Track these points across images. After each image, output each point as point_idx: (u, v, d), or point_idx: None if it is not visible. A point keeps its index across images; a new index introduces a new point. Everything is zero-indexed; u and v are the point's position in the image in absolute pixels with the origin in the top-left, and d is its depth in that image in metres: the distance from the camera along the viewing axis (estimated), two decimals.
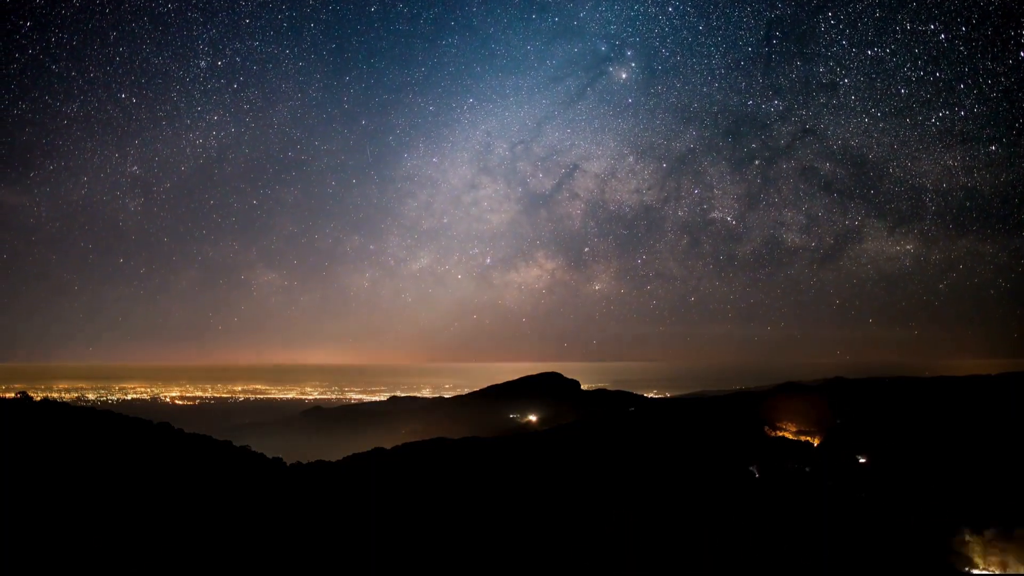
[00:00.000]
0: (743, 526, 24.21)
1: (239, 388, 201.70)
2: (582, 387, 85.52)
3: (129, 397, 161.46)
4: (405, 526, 20.05)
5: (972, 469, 35.45)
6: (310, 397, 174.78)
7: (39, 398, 27.97)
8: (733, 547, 22.04)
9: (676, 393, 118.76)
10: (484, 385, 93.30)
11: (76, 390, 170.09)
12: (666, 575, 19.23)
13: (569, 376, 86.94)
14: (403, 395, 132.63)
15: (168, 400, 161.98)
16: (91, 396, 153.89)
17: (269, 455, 27.32)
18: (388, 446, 35.85)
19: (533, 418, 69.86)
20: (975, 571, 27.76)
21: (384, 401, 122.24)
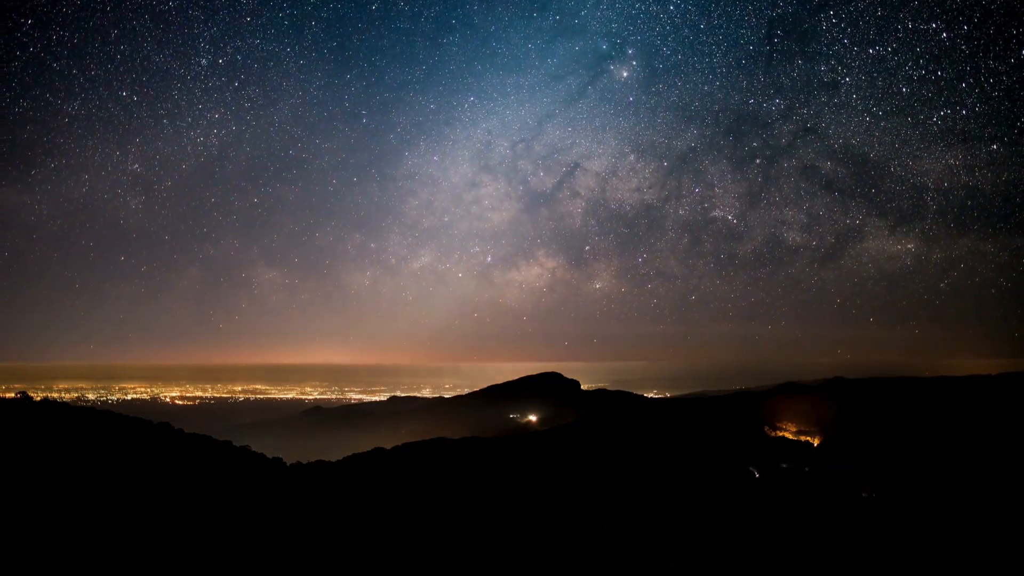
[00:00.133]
0: (743, 526, 24.21)
1: (239, 388, 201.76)
2: (582, 387, 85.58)
3: (129, 397, 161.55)
4: (405, 526, 20.06)
5: (972, 469, 35.45)
6: (310, 397, 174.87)
7: (39, 398, 27.96)
8: (733, 547, 22.06)
9: (676, 393, 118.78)
10: (484, 385, 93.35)
11: (76, 390, 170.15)
12: (666, 575, 19.24)
13: (569, 376, 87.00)
14: (403, 395, 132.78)
15: (168, 400, 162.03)
16: (91, 396, 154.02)
17: (269, 455, 27.30)
18: (388, 446, 35.86)
19: (533, 418, 69.89)
20: (974, 571, 27.76)
21: (384, 401, 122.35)
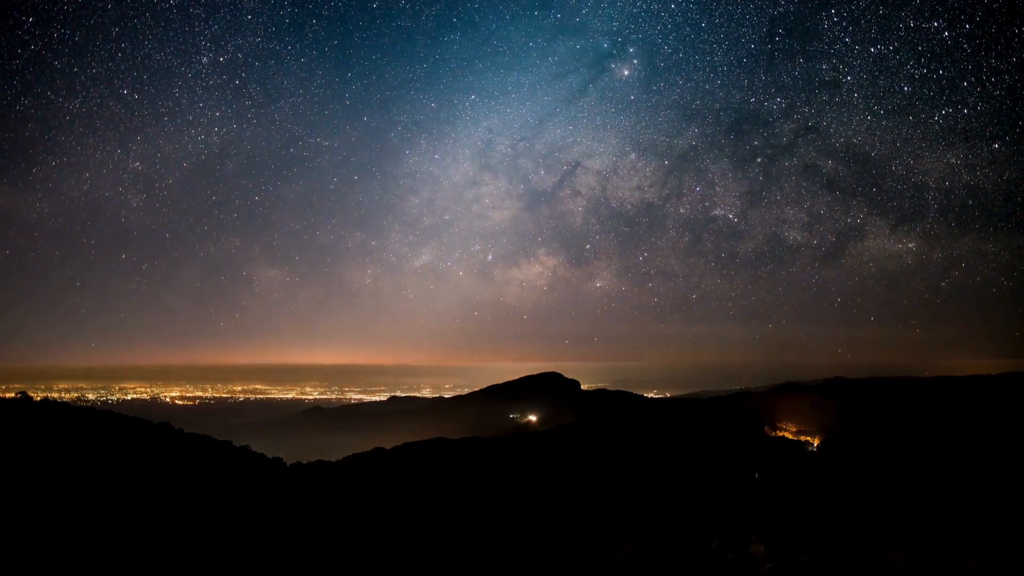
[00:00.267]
0: (743, 525, 24.19)
1: (239, 388, 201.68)
2: (582, 387, 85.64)
3: (129, 397, 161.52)
4: (405, 526, 20.05)
5: (973, 470, 35.45)
6: (310, 397, 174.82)
7: (39, 398, 27.95)
8: (733, 546, 22.03)
9: (676, 393, 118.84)
10: (484, 385, 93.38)
11: (76, 390, 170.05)
12: (667, 575, 19.23)
13: (569, 376, 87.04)
14: (403, 395, 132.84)
15: (168, 400, 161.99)
16: (91, 396, 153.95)
17: (269, 455, 27.30)
18: (388, 446, 35.86)
19: (533, 418, 69.91)
20: (975, 571, 27.77)
21: (384, 401, 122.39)
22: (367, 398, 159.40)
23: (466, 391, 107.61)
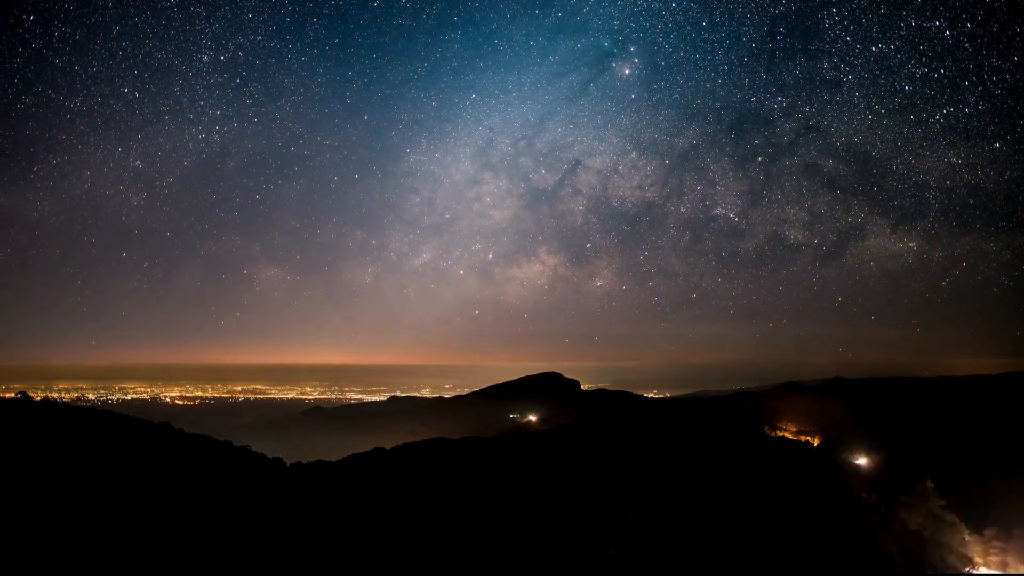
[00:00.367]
0: (743, 525, 24.19)
1: (239, 388, 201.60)
2: (582, 387, 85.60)
3: (129, 397, 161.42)
4: (405, 526, 20.04)
5: (972, 469, 35.44)
6: (310, 397, 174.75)
7: (39, 398, 27.96)
8: (734, 546, 22.03)
9: (676, 393, 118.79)
10: (484, 385, 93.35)
11: (76, 390, 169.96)
12: (666, 575, 19.23)
13: (569, 376, 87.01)
14: (403, 395, 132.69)
15: (168, 400, 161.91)
16: (91, 396, 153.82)
17: (269, 455, 27.30)
18: (388, 446, 35.83)
19: (533, 418, 69.84)
20: (975, 571, 27.78)
21: (384, 401, 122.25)
22: (367, 398, 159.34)
23: (466, 391, 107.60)
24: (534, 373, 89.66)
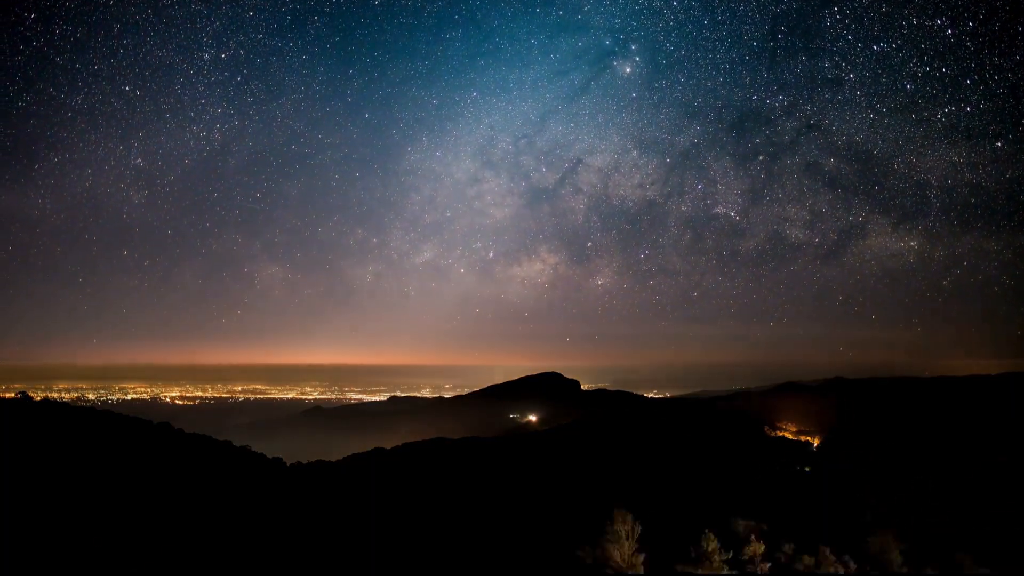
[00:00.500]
0: (743, 525, 24.19)
1: (239, 388, 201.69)
2: (582, 387, 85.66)
3: (129, 397, 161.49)
4: (405, 526, 20.05)
5: (972, 469, 35.44)
6: (310, 397, 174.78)
7: (39, 398, 27.98)
8: (733, 546, 22.04)
9: (676, 393, 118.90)
10: (484, 385, 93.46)
11: (76, 390, 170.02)
12: (666, 575, 19.23)
13: (569, 376, 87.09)
14: (403, 395, 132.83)
15: (168, 400, 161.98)
16: (91, 396, 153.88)
17: (269, 455, 27.31)
18: (388, 446, 35.86)
19: (533, 418, 69.88)
20: (975, 570, 27.77)
21: (384, 401, 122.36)
22: (367, 398, 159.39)
23: (466, 391, 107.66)
24: (534, 373, 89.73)
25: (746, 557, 14.42)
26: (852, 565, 14.52)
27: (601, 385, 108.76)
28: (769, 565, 14.56)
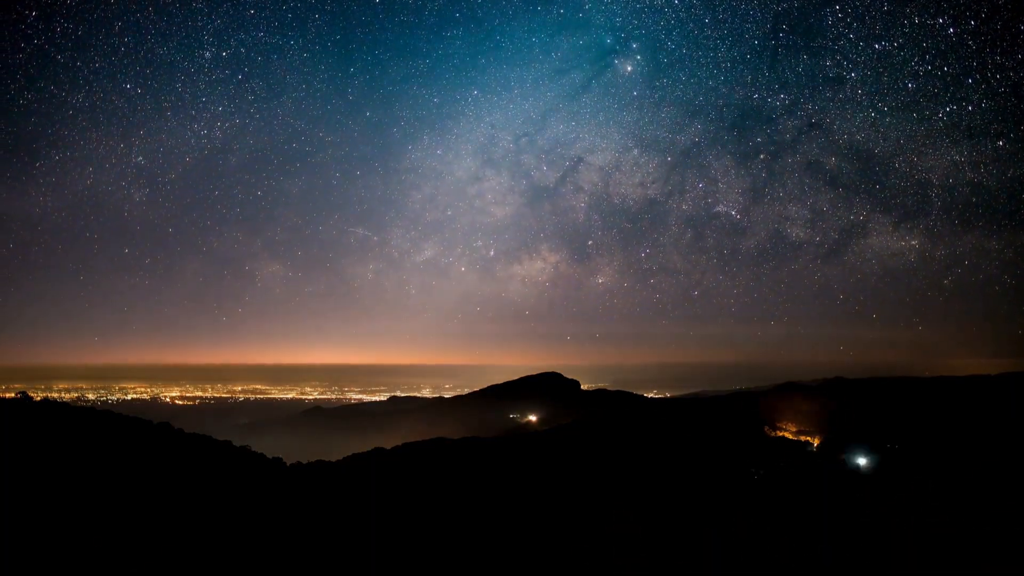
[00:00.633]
0: (743, 525, 24.21)
1: (239, 388, 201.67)
2: (582, 387, 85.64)
3: (129, 397, 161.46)
4: (405, 526, 20.05)
5: (973, 471, 35.41)
6: (310, 397, 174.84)
7: (39, 398, 27.98)
8: (734, 546, 22.05)
9: (676, 393, 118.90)
10: (484, 385, 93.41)
11: (76, 390, 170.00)
12: (667, 575, 19.24)
13: (569, 376, 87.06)
14: (403, 395, 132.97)
15: (168, 400, 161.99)
16: (91, 396, 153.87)
17: (269, 455, 27.31)
18: (388, 446, 35.87)
19: (533, 418, 69.89)
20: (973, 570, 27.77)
21: (384, 401, 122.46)
22: (367, 398, 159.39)
23: (466, 391, 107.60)
24: (534, 373, 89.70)
25: (747, 556, 14.45)
26: (852, 564, 14.56)
27: (601, 385, 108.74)
28: (770, 564, 14.59)
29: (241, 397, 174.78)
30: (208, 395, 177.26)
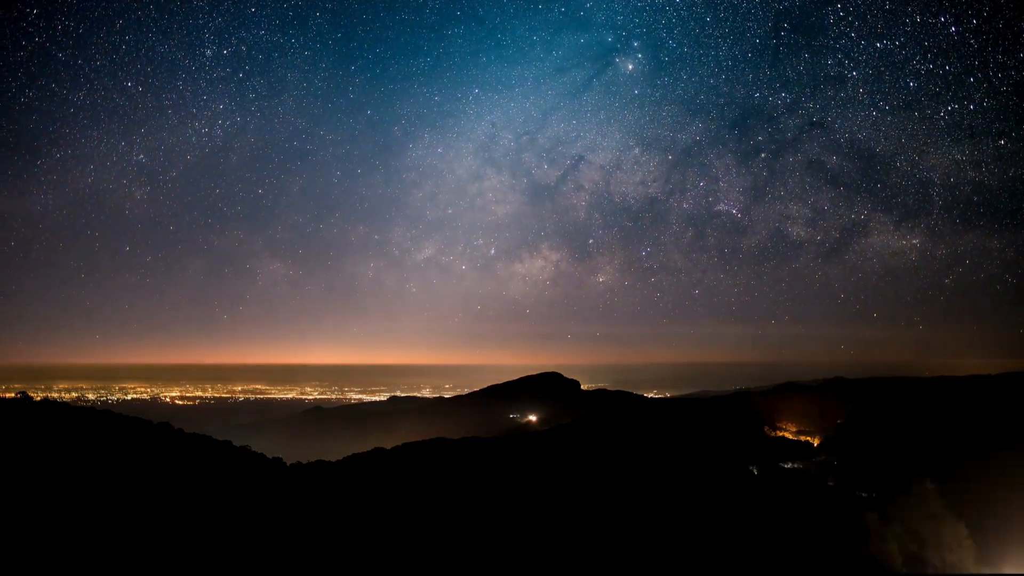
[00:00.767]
0: (743, 525, 24.20)
1: (239, 388, 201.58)
2: (582, 387, 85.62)
3: (129, 397, 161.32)
4: (405, 526, 20.05)
5: (972, 469, 35.38)
6: (310, 397, 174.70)
7: (39, 398, 27.99)
8: (734, 546, 22.05)
9: (676, 393, 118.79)
10: (484, 385, 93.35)
11: (76, 390, 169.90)
12: (667, 575, 19.24)
13: (569, 376, 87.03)
14: (403, 395, 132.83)
15: (168, 400, 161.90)
16: (91, 396, 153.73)
17: (269, 455, 27.32)
18: (388, 446, 35.85)
19: (533, 418, 69.85)
20: (974, 571, 27.77)
21: (384, 401, 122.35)
22: (367, 398, 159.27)
23: (466, 391, 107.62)
24: (534, 373, 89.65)
25: (747, 556, 14.47)
26: (852, 565, 14.58)
27: (601, 385, 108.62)
28: (770, 564, 14.61)
29: (241, 397, 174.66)
30: (208, 395, 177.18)
